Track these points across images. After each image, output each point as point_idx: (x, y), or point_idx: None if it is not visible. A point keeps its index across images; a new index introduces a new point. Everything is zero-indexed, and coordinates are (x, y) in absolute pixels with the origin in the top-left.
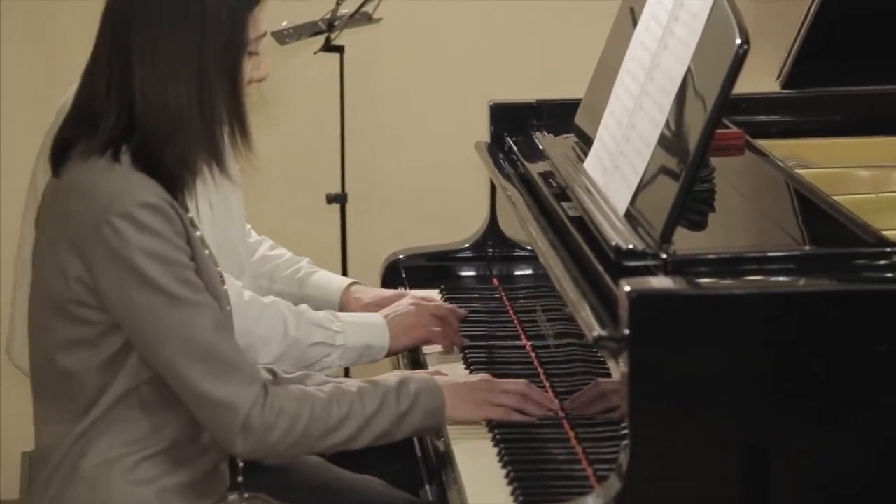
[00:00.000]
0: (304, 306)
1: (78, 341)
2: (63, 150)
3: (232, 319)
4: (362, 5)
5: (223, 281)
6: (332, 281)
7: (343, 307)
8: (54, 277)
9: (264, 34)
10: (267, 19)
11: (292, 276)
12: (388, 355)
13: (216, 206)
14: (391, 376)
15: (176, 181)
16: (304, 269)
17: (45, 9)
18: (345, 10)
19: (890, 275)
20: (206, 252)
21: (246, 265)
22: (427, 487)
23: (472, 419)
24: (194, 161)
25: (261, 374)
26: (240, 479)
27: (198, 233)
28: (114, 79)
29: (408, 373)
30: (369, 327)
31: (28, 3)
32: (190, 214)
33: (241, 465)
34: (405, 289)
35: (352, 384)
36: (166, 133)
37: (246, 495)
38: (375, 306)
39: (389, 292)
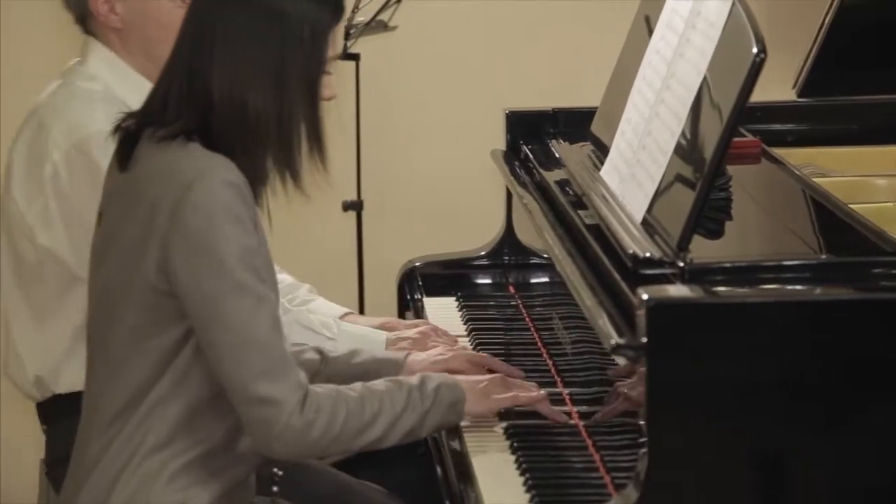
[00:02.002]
0: (304, 308)
1: (139, 327)
2: (129, 142)
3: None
4: (378, 13)
5: None
6: (327, 311)
7: None
8: (126, 267)
9: (338, 54)
10: None
11: (288, 303)
12: None
13: None
14: (412, 376)
15: (252, 184)
16: (301, 297)
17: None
18: (360, 18)
19: None
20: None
21: None
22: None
23: (488, 412)
24: (265, 169)
25: (305, 379)
26: (275, 489)
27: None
28: (194, 81)
29: (426, 373)
30: (367, 341)
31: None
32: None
33: (276, 486)
34: (421, 296)
35: (378, 383)
36: (242, 138)
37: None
38: None
39: (378, 321)
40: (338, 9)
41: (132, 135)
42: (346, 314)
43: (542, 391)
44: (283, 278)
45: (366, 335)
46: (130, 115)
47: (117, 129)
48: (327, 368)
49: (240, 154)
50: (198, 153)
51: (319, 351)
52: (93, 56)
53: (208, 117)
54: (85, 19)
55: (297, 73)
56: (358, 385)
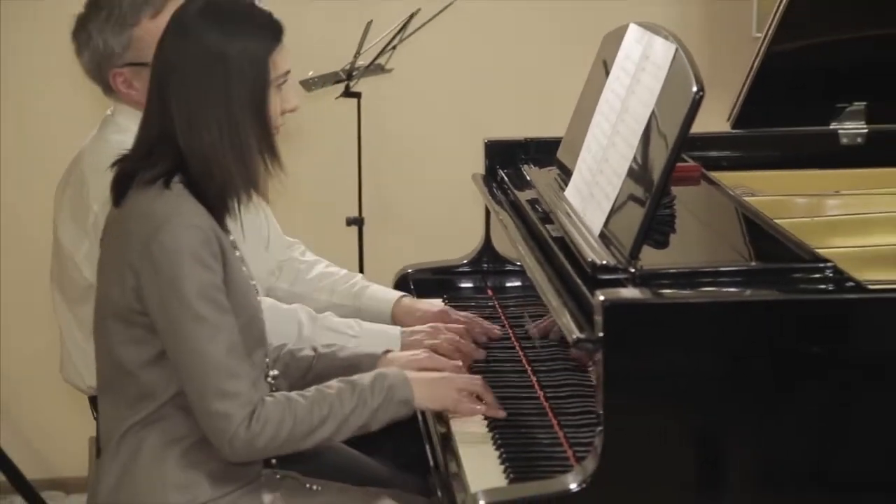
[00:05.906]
0: (328, 313)
1: (130, 339)
2: (123, 182)
3: (264, 329)
4: (377, 58)
5: (258, 291)
6: (385, 294)
7: (395, 319)
8: (114, 287)
9: (287, 72)
10: (295, 69)
11: (349, 290)
12: None
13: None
14: (367, 374)
15: (220, 208)
16: (359, 284)
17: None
18: (362, 61)
19: (823, 286)
20: (244, 269)
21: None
22: (433, 469)
23: (434, 409)
24: (233, 189)
25: (256, 396)
26: (273, 461)
27: (237, 253)
28: (163, 128)
29: (383, 369)
30: (385, 337)
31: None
32: (232, 237)
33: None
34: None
35: (332, 385)
36: (207, 170)
37: (278, 475)
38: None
39: (436, 307)
40: (274, 33)
41: (127, 175)
42: (402, 297)
43: (479, 380)
44: (339, 270)
45: (384, 330)
46: (127, 155)
47: (114, 164)
48: (319, 362)
49: (211, 185)
50: (171, 199)
51: (314, 348)
52: (120, 114)
53: (182, 158)
54: (109, 90)
55: (244, 102)
56: (311, 390)
